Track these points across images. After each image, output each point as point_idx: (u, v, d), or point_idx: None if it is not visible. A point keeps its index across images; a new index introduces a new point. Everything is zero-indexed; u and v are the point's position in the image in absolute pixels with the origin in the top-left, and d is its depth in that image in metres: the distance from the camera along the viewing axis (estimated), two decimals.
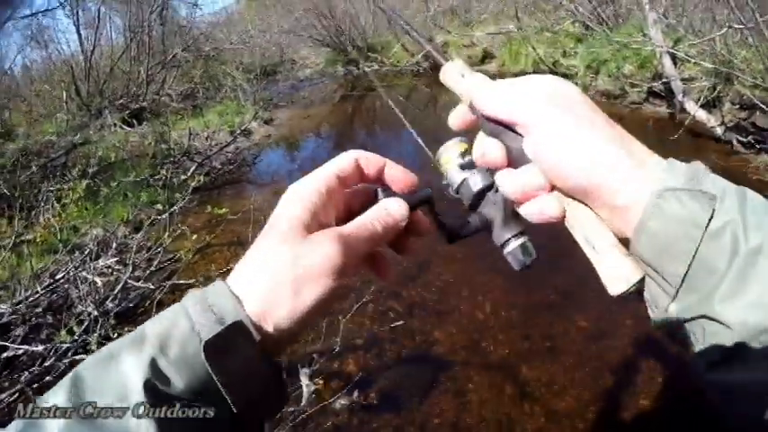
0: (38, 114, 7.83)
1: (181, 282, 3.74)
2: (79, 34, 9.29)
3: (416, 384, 2.72)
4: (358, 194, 0.56)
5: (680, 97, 6.11)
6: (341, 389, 2.66)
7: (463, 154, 0.64)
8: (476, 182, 0.62)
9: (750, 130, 5.26)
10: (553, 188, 0.50)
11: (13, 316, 3.13)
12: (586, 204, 0.49)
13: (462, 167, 0.63)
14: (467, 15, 14.05)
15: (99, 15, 9.27)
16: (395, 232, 0.52)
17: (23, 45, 10.39)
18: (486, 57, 11.95)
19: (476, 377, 2.73)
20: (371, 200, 0.54)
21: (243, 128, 7.86)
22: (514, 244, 0.60)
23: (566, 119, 0.48)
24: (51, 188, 4.94)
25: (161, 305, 3.45)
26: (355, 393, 2.63)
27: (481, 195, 0.62)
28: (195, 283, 3.64)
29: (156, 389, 0.41)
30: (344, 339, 2.89)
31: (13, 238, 3.84)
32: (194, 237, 4.10)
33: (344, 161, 0.54)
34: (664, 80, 6.44)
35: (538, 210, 0.51)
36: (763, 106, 4.92)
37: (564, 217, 0.50)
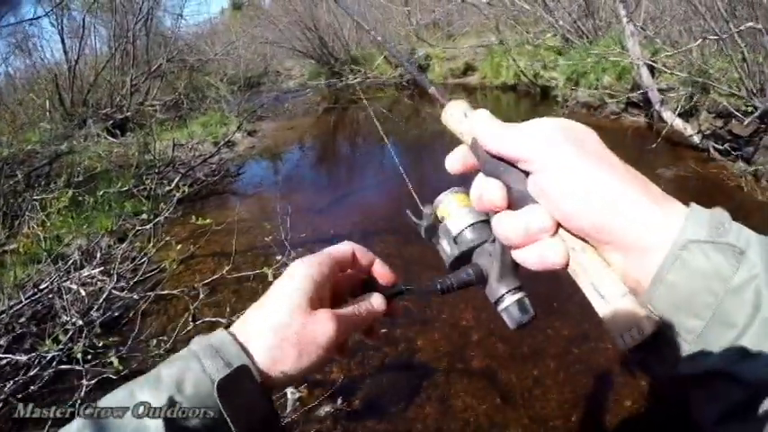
0: (21, 123, 7.76)
1: (165, 292, 3.72)
2: (63, 43, 9.27)
3: (400, 391, 2.74)
4: (346, 278, 0.67)
5: (657, 107, 6.24)
6: (324, 396, 2.67)
7: (461, 205, 0.63)
8: (473, 233, 0.61)
9: (726, 137, 5.38)
10: (557, 231, 0.47)
11: None
12: (594, 248, 0.46)
13: (461, 218, 0.62)
14: (449, 28, 14.22)
15: (84, 24, 9.25)
16: (375, 319, 0.64)
17: (8, 53, 10.31)
18: (468, 69, 12.12)
19: (459, 383, 2.75)
20: (356, 284, 0.67)
21: (227, 139, 7.91)
22: (510, 300, 0.56)
23: (575, 151, 0.45)
24: (35, 197, 4.90)
25: (145, 315, 3.46)
26: (339, 400, 2.65)
27: (477, 247, 0.61)
28: (180, 294, 3.63)
29: (174, 423, 0.49)
30: None
31: None
32: (179, 247, 4.08)
33: (344, 251, 0.65)
34: (642, 91, 6.56)
35: (538, 254, 0.47)
36: (739, 114, 5.05)
37: (567, 264, 0.46)
